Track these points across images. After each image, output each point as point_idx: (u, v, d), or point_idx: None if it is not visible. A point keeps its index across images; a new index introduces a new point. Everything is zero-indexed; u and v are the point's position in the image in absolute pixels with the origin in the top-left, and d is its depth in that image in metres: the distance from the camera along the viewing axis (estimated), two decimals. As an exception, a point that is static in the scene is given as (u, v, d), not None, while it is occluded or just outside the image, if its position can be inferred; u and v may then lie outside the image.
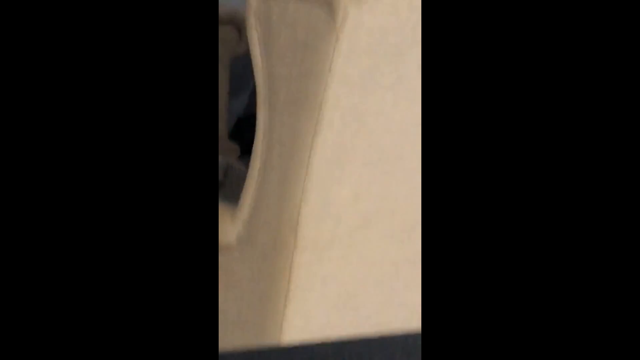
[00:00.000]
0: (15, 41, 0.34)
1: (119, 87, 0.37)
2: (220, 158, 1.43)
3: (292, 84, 1.02)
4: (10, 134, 0.34)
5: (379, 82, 1.04)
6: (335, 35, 0.98)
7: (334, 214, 1.09)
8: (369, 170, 1.10)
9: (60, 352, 0.34)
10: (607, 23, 0.34)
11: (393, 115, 1.07)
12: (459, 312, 0.34)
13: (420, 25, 0.98)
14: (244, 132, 1.58)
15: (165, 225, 0.37)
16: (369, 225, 1.12)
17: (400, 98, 1.07)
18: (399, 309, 1.28)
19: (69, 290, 0.35)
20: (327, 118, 1.02)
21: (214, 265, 0.39)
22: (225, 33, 1.89)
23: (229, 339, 1.15)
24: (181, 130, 0.39)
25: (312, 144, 1.03)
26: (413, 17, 1.00)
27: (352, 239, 1.11)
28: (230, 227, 1.11)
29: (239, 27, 1.64)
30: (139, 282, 0.36)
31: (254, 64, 1.05)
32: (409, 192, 1.16)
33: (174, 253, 0.37)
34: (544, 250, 0.34)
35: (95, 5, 0.36)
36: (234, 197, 1.17)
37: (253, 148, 1.08)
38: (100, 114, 0.37)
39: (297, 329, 1.11)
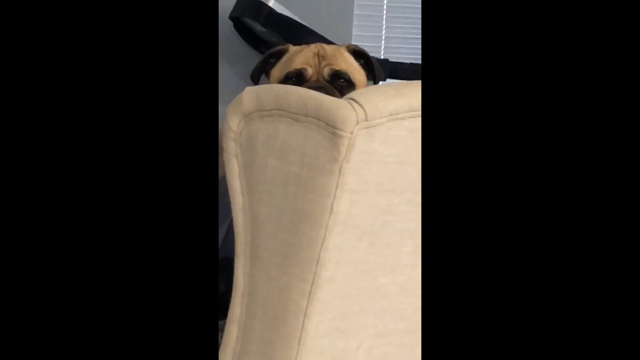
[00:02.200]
0: (15, 41, 0.35)
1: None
2: None
3: (281, 229, 0.78)
4: (10, 134, 0.35)
5: (395, 227, 0.79)
6: (338, 167, 0.74)
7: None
8: (382, 342, 0.83)
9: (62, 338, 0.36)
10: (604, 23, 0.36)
11: (412, 272, 0.81)
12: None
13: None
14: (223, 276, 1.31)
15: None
16: None
17: (419, 245, 0.81)
18: None
19: (71, 284, 0.37)
20: (327, 274, 0.77)
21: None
22: None
23: None
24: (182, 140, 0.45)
25: (307, 309, 0.77)
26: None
27: None
28: None
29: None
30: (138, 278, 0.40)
31: (233, 202, 0.81)
32: None
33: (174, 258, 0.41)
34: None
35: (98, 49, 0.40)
36: None
37: (229, 311, 0.82)
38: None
39: None
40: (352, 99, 0.73)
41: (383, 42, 1.69)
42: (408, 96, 0.80)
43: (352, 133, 0.72)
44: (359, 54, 1.15)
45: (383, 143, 0.75)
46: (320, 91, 0.80)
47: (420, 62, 1.27)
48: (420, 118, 0.76)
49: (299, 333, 0.77)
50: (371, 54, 1.17)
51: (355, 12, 1.61)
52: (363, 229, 0.78)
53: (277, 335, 0.78)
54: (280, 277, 0.78)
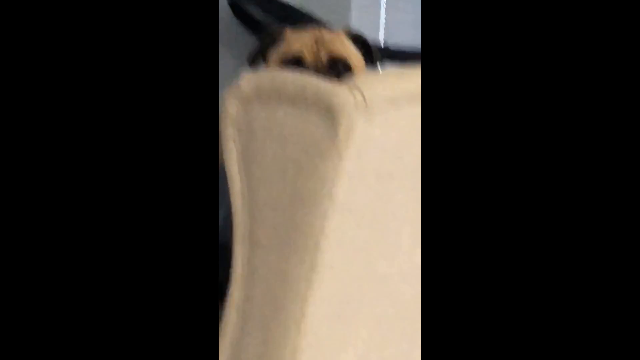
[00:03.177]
0: (16, 41, 0.35)
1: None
2: None
3: (280, 214, 0.78)
4: (9, 134, 0.34)
5: (394, 212, 0.80)
6: (337, 152, 0.73)
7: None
8: (382, 328, 0.84)
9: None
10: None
11: (411, 257, 0.82)
12: None
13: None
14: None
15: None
16: None
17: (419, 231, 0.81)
18: None
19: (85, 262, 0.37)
20: (327, 260, 0.77)
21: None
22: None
23: None
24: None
25: (306, 293, 0.77)
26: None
27: None
28: None
29: None
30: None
31: (231, 186, 0.81)
32: None
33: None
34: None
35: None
36: None
37: (227, 297, 0.82)
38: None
39: None
40: (351, 84, 0.73)
41: (382, 27, 1.68)
42: (408, 82, 0.81)
43: (350, 118, 0.72)
44: (357, 39, 1.15)
45: (382, 128, 0.75)
46: (319, 76, 0.80)
47: (420, 47, 1.28)
48: (420, 103, 0.76)
49: (298, 318, 0.78)
50: (370, 39, 1.17)
51: (354, -4, 1.60)
52: (362, 214, 0.78)
53: (276, 320, 0.79)
54: (279, 263, 0.78)
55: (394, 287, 0.83)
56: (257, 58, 1.15)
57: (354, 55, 1.12)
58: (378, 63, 1.18)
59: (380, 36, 1.67)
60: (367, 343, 0.83)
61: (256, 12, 1.31)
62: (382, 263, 0.81)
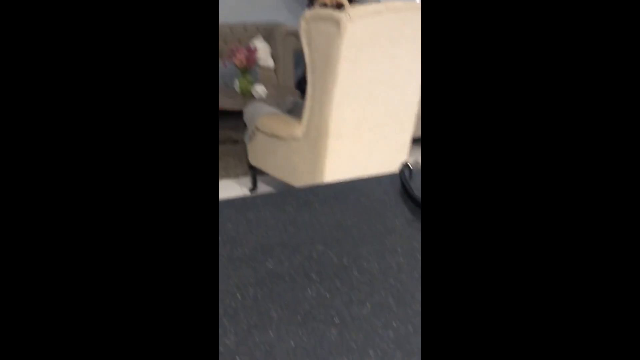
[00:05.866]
0: (16, 40, 0.32)
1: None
2: (291, 98, 2.71)
3: (322, 61, 2.21)
4: (9, 134, 0.32)
5: (361, 59, 2.22)
6: (340, 37, 2.16)
7: (344, 121, 2.27)
8: (362, 98, 2.28)
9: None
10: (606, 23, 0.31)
11: (372, 73, 2.25)
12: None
13: (378, 32, 2.16)
14: (302, 85, 2.89)
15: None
16: (361, 125, 2.30)
17: (375, 63, 2.24)
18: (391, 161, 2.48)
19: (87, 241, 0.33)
20: (340, 75, 2.20)
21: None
22: (291, 39, 3.49)
23: (297, 179, 2.39)
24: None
25: (333, 87, 2.21)
26: (380, 26, 2.16)
27: (352, 134, 2.29)
28: (298, 129, 2.32)
29: (297, 37, 3.10)
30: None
31: (305, 53, 2.25)
32: (380, 107, 2.35)
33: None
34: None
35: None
36: (299, 116, 2.42)
37: (306, 92, 2.28)
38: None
39: (330, 175, 2.29)
40: (344, 11, 2.15)
41: None
42: (371, 7, 2.21)
43: (345, 23, 2.13)
44: None
45: (359, 27, 2.16)
46: (332, 9, 2.23)
47: None
48: (378, 16, 2.17)
49: (330, 97, 2.22)
50: None
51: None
52: (355, 60, 2.20)
53: (324, 97, 2.23)
54: (323, 80, 2.22)
55: (369, 83, 2.27)
56: (310, 5, 2.62)
57: (345, 1, 2.57)
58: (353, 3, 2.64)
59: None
60: (357, 104, 2.29)
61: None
62: (362, 75, 2.24)
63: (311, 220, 0.53)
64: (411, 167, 0.64)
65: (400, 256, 0.47)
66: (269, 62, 4.35)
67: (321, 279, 0.44)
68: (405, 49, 2.25)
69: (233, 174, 3.13)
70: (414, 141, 3.49)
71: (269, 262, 0.46)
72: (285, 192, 0.60)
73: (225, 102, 2.97)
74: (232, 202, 0.57)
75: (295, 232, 0.51)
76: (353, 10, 2.10)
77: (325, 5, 2.58)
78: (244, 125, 2.74)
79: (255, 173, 2.87)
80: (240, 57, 3.08)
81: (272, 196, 0.59)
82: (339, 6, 2.56)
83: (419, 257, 0.47)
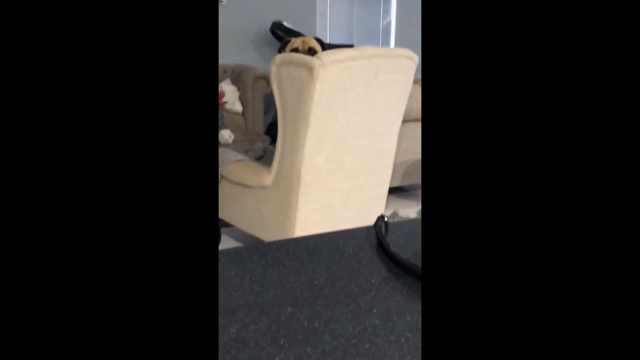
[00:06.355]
0: (15, 41, 0.32)
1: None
2: (260, 144, 2.58)
3: (293, 107, 2.11)
4: (9, 134, 0.32)
5: (335, 105, 2.14)
6: (313, 83, 2.08)
7: (317, 169, 2.16)
8: (336, 146, 2.19)
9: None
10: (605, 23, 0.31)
11: (346, 120, 2.16)
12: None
13: (351, 78, 2.08)
14: (273, 130, 2.81)
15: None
16: (335, 175, 2.19)
17: (349, 110, 2.15)
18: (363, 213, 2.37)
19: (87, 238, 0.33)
20: (312, 121, 2.10)
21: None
22: (261, 83, 3.47)
23: (265, 232, 2.24)
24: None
25: (305, 133, 2.11)
26: (354, 72, 2.09)
27: (325, 183, 2.18)
28: (268, 177, 2.20)
29: (267, 80, 3.06)
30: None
31: (275, 98, 2.15)
32: (356, 156, 2.25)
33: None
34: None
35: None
36: (269, 163, 2.30)
37: (277, 139, 2.17)
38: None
39: (301, 228, 2.17)
40: (317, 57, 2.07)
41: (328, 31, 3.20)
42: (341, 54, 2.14)
43: (318, 70, 2.05)
44: (319, 40, 2.55)
45: (331, 73, 2.08)
46: (304, 53, 2.15)
47: (347, 43, 2.84)
48: (351, 62, 2.10)
49: (302, 143, 2.12)
50: (323, 40, 2.62)
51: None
52: (328, 107, 2.11)
53: (295, 145, 2.13)
54: (294, 128, 2.12)
55: (340, 131, 2.18)
56: (281, 49, 2.54)
57: (317, 47, 2.51)
58: (325, 49, 2.57)
59: (327, 36, 3.14)
60: (330, 153, 2.19)
61: (281, 34, 2.77)
62: (333, 123, 2.15)
63: (280, 279, 0.50)
64: (387, 220, 0.61)
65: (376, 318, 0.44)
66: (237, 107, 4.26)
67: (290, 345, 0.40)
68: (382, 96, 2.18)
69: (197, 223, 2.96)
70: (391, 190, 3.41)
71: (233, 327, 0.42)
72: (252, 247, 0.57)
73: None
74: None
75: (262, 293, 0.48)
76: (326, 56, 2.02)
77: (296, 50, 2.51)
78: (210, 172, 2.62)
79: (219, 225, 2.72)
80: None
81: (237, 251, 0.55)
82: (311, 51, 2.49)
83: (396, 318, 0.44)
